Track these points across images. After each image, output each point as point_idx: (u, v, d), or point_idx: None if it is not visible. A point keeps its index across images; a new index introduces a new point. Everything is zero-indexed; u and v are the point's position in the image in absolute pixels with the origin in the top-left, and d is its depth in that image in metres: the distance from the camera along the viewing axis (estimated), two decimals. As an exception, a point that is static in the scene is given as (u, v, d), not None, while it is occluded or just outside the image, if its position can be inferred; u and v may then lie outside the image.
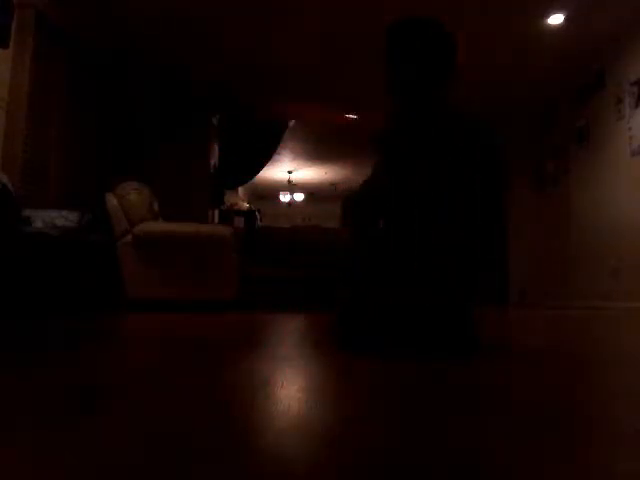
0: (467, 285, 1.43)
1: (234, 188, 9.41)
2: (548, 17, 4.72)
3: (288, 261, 4.57)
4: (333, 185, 11.87)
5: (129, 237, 3.77)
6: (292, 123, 7.54)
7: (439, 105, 1.51)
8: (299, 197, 12.54)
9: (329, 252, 4.21)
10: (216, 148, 7.25)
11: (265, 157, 8.01)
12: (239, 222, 7.78)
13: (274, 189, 12.19)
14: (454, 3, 4.37)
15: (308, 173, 10.95)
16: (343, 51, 5.41)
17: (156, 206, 4.13)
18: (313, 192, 12.67)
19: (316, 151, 9.33)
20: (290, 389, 0.92)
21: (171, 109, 6.32)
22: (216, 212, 7.42)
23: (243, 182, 8.85)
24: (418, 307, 1.38)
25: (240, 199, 9.94)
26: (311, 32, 5.10)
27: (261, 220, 9.13)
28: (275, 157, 8.72)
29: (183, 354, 1.42)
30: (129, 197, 3.88)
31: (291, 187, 11.77)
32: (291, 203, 12.52)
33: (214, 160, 7.11)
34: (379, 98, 1.40)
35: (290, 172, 10.76)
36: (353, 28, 4.96)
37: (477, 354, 1.37)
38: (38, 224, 3.26)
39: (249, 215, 8.01)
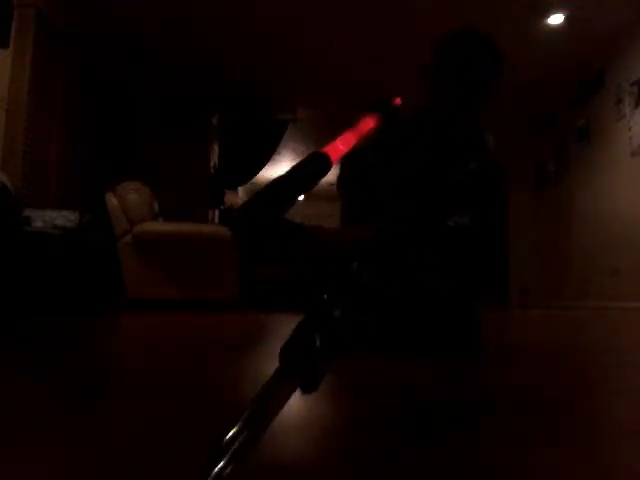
0: (472, 284, 1.42)
1: (234, 188, 9.40)
2: (548, 17, 4.72)
3: (288, 261, 4.57)
4: (333, 185, 11.86)
5: (129, 237, 3.76)
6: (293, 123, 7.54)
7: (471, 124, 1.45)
8: (299, 197, 12.54)
9: (329, 252, 4.20)
10: (216, 148, 7.25)
11: (265, 157, 8.01)
12: (239, 222, 7.76)
13: (274, 189, 12.17)
14: (454, 3, 4.37)
15: (308, 173, 10.94)
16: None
17: (156, 206, 4.13)
18: (313, 192, 12.67)
19: (316, 151, 9.31)
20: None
21: (171, 109, 6.32)
22: (216, 212, 7.42)
23: (243, 182, 8.85)
24: (421, 308, 1.37)
25: (240, 199, 9.93)
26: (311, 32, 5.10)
27: (261, 220, 9.11)
28: (275, 157, 8.71)
29: (183, 354, 1.42)
30: (129, 197, 3.88)
31: (291, 187, 11.75)
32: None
33: (214, 160, 7.11)
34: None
35: (290, 172, 10.74)
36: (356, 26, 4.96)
37: (482, 356, 1.36)
38: (38, 224, 3.26)
39: (249, 215, 7.98)
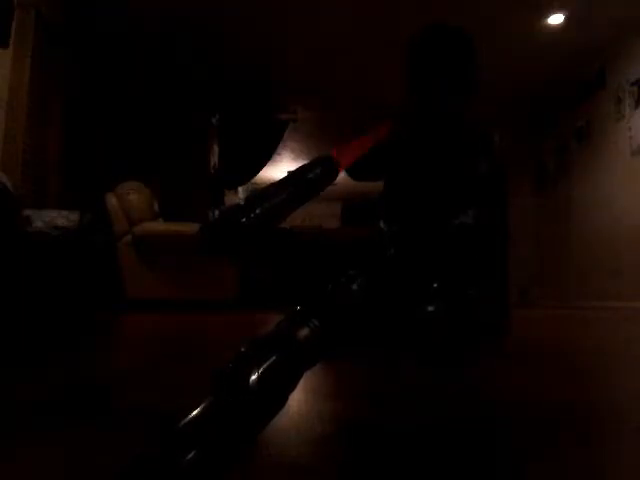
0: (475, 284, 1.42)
1: (234, 188, 9.40)
2: (548, 17, 4.72)
3: (288, 261, 4.56)
4: (333, 185, 11.85)
5: (129, 237, 3.77)
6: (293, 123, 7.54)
7: (460, 120, 1.45)
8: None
9: (329, 253, 4.20)
10: (216, 148, 7.25)
11: (265, 157, 8.01)
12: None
13: (274, 189, 12.14)
14: (454, 3, 4.37)
15: (308, 173, 10.91)
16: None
17: (156, 206, 4.13)
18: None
19: (316, 151, 9.30)
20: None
21: (171, 109, 6.32)
22: (216, 212, 7.41)
23: (243, 182, 8.85)
24: (423, 306, 1.37)
25: (240, 199, 9.93)
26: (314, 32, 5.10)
27: (261, 220, 9.09)
28: (275, 157, 8.71)
29: (182, 353, 1.42)
30: (129, 197, 3.88)
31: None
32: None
33: (214, 160, 7.11)
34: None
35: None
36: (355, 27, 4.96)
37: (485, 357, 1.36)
38: (38, 224, 3.25)
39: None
